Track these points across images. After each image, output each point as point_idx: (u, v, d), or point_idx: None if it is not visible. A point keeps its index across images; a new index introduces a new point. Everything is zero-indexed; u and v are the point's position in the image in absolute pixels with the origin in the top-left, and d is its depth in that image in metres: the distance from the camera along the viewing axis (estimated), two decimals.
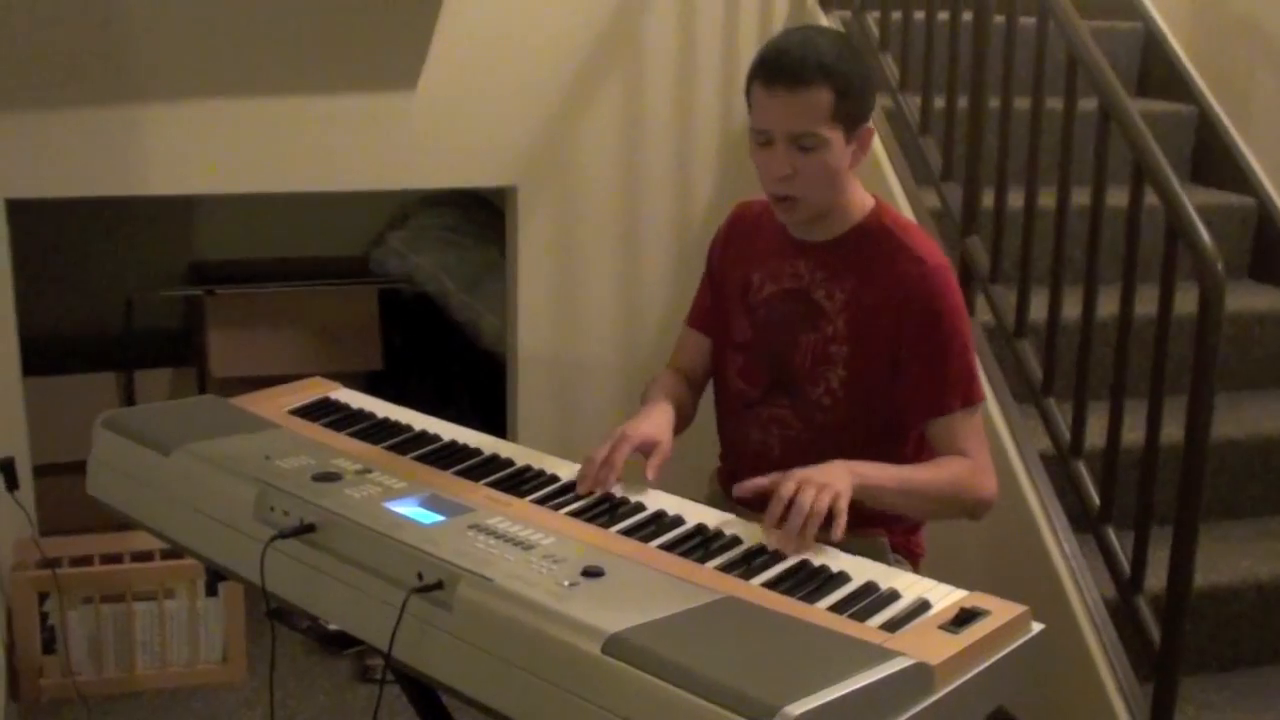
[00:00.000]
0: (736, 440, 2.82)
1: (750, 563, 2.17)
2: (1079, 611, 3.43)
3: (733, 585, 2.06)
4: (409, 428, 2.76)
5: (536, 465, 2.55)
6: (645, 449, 2.56)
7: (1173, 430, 3.31)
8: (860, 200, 2.67)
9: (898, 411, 2.64)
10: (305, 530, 2.23)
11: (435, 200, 6.09)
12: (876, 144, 4.14)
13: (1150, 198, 3.27)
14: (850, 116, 2.52)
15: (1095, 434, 3.49)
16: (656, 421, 2.63)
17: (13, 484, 4.12)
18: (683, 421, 2.83)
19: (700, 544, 2.24)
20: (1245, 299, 4.31)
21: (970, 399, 2.62)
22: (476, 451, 2.62)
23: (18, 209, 4.17)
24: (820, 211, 2.61)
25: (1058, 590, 3.47)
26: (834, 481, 2.30)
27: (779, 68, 2.50)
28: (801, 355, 2.66)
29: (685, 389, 2.88)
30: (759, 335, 2.75)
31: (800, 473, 2.32)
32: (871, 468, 2.44)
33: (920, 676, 1.80)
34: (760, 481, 2.37)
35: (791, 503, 2.26)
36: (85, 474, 2.74)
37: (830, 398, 2.64)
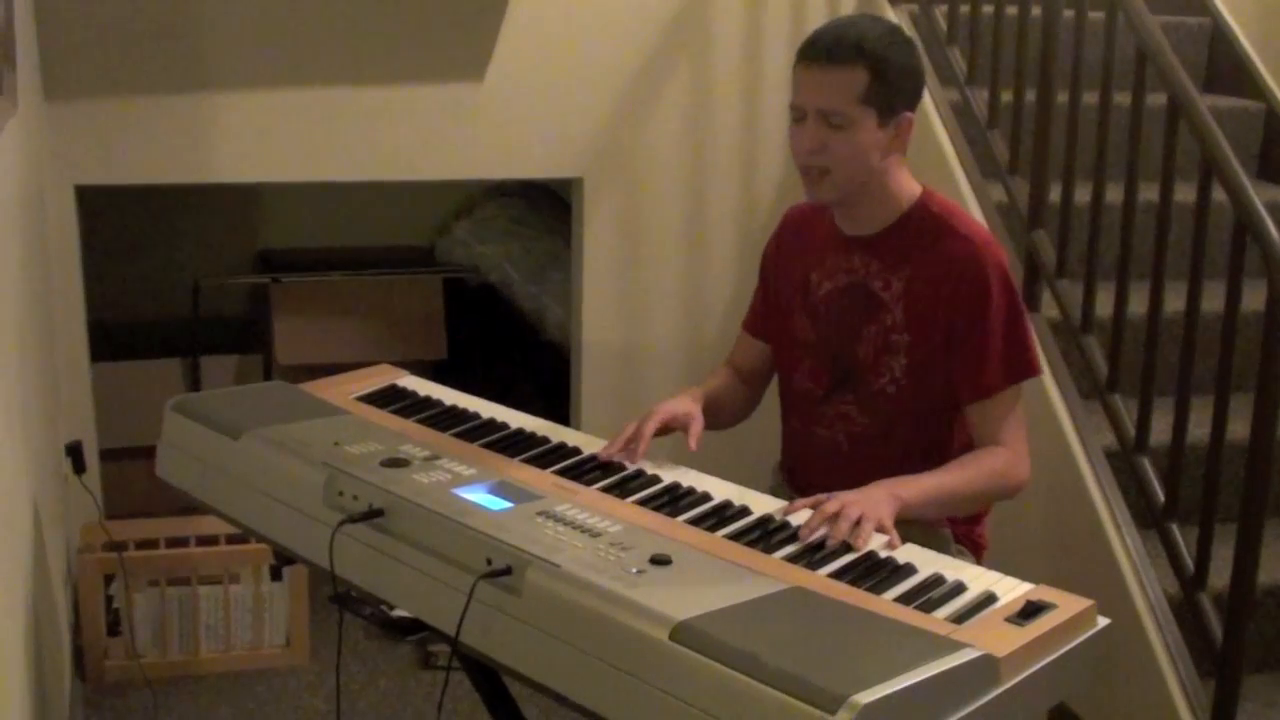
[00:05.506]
0: (803, 438, 2.83)
1: (816, 553, 2.18)
2: (1142, 608, 3.41)
3: (799, 575, 2.07)
4: (476, 415, 2.78)
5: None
6: (677, 424, 2.63)
7: (1238, 427, 3.29)
8: (908, 189, 2.68)
9: (953, 392, 2.65)
10: (374, 515, 2.24)
11: (501, 191, 6.13)
12: (943, 137, 4.13)
13: (1218, 193, 3.24)
14: (884, 101, 2.53)
15: (1160, 430, 3.47)
16: (684, 399, 2.71)
17: (80, 468, 4.17)
18: (732, 413, 2.90)
19: (766, 534, 2.25)
20: None
21: (1017, 375, 2.63)
22: (544, 439, 2.64)
23: (87, 196, 4.22)
24: (848, 190, 2.61)
25: (1120, 586, 3.46)
26: (876, 507, 2.30)
27: (817, 45, 2.53)
28: (864, 347, 2.67)
29: (736, 384, 2.94)
30: (822, 333, 2.76)
31: (845, 495, 2.33)
32: (912, 488, 2.44)
33: (986, 668, 1.80)
34: (805, 503, 2.36)
35: (834, 517, 2.26)
36: (152, 458, 2.77)
37: (894, 386, 2.66)
